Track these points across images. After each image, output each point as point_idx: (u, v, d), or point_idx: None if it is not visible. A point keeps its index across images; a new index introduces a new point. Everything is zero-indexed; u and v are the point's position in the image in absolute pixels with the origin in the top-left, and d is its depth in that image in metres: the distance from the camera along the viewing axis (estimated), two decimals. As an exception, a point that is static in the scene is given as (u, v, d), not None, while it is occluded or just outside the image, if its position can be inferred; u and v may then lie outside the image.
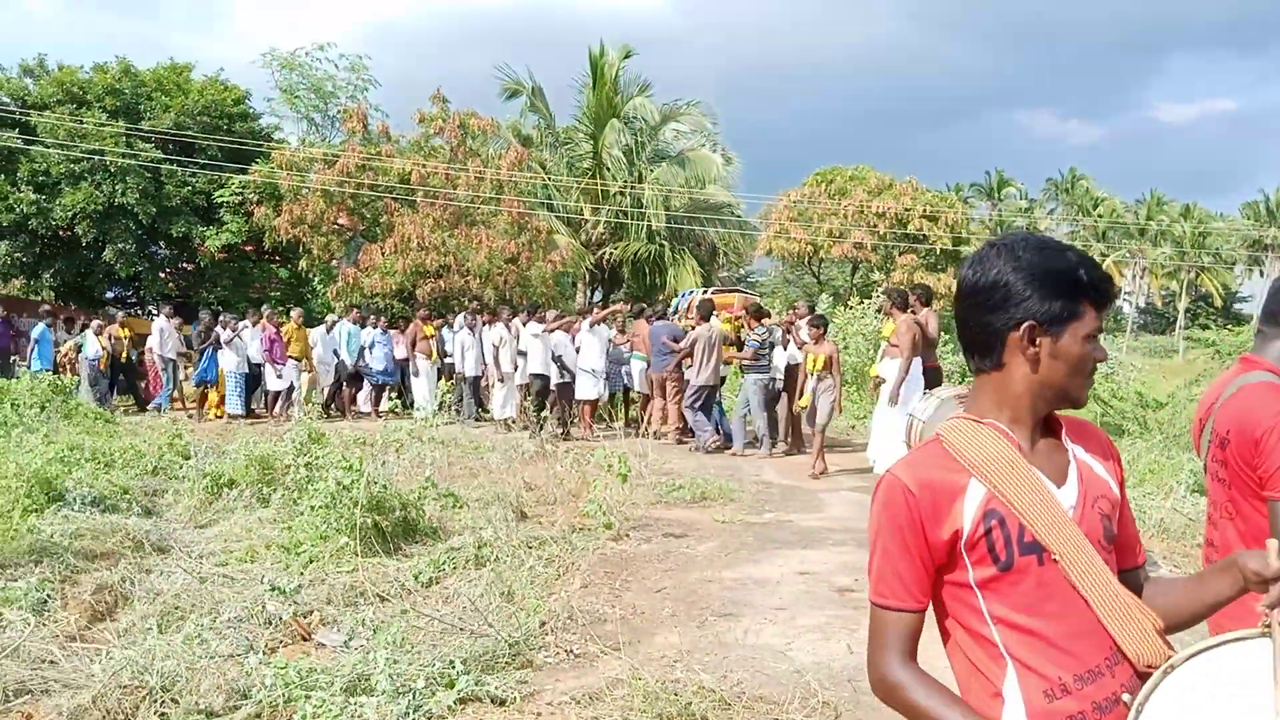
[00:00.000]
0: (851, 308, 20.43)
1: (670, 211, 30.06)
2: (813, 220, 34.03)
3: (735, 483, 10.25)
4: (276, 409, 16.24)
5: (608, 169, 29.57)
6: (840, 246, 32.62)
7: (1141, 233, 65.24)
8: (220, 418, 16.23)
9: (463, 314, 16.89)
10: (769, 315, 13.36)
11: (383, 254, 21.48)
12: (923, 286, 11.13)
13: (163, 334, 17.19)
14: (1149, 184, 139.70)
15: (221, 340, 16.29)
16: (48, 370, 16.31)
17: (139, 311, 27.46)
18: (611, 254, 29.65)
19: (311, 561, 6.44)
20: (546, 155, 30.76)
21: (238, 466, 8.86)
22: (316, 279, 25.42)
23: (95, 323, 17.53)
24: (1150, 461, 10.12)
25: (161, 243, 26.41)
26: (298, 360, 16.70)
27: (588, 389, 14.48)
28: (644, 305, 16.29)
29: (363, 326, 17.46)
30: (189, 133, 25.27)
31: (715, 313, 13.68)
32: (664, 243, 29.89)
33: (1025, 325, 1.79)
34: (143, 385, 18.14)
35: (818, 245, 33.69)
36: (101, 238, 24.17)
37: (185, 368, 17.99)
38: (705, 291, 15.49)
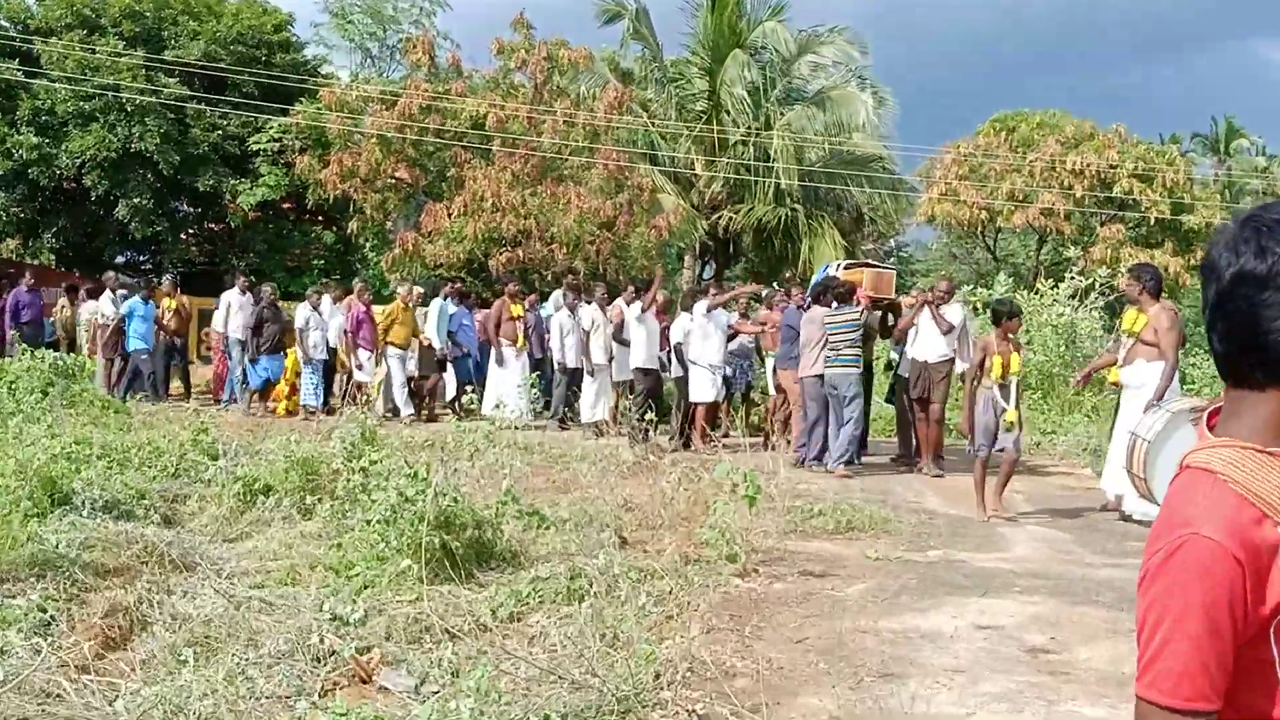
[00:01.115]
0: (1039, 292, 20.02)
1: (806, 166, 29.75)
2: (988, 179, 33.44)
3: (889, 510, 10.19)
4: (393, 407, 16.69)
5: (727, 112, 29.34)
6: (1023, 213, 31.99)
7: None
8: (294, 413, 16.83)
9: (562, 290, 17.03)
10: (852, 293, 13.24)
11: (449, 215, 21.67)
12: (1149, 269, 10.72)
13: (230, 309, 17.99)
14: None
15: (303, 320, 17.05)
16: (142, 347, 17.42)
17: (154, 280, 28.24)
18: (730, 219, 29.49)
19: (366, 587, 6.52)
20: (651, 95, 30.67)
21: (275, 470, 9.05)
22: (368, 245, 25.86)
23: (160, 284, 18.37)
24: None
25: (184, 198, 27.12)
26: (401, 348, 17.02)
27: (704, 389, 14.42)
28: (782, 287, 16.24)
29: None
30: (220, 65, 25.81)
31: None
32: (797, 205, 29.57)
33: None
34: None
35: (994, 211, 33.11)
36: (114, 191, 24.81)
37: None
38: (839, 266, 15.17)
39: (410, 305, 17.36)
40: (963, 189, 33.27)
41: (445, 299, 17.98)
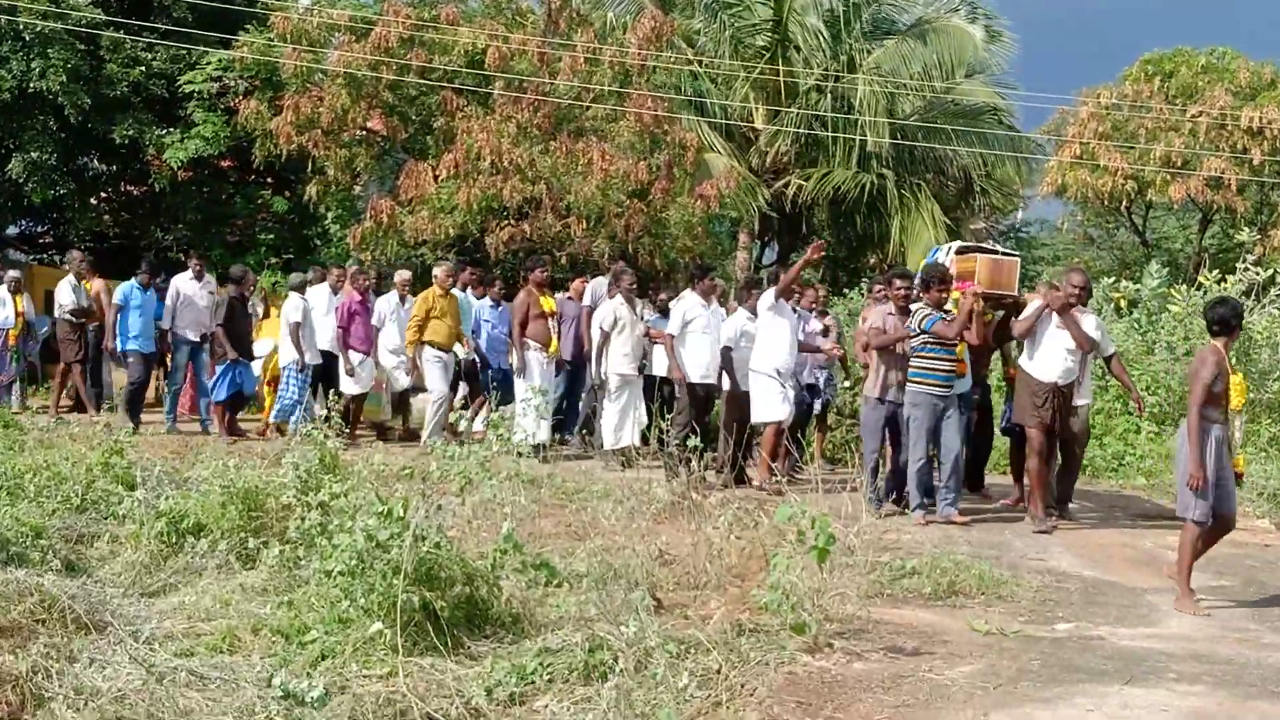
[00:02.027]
0: (1201, 287, 19.87)
1: (898, 120, 29.69)
2: (1136, 139, 33.34)
3: (1004, 569, 10.16)
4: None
5: (797, 49, 29.40)
6: (1182, 184, 31.87)
7: None
8: (270, 434, 16.90)
9: (609, 275, 17.11)
10: (946, 288, 13.14)
11: (435, 178, 21.73)
12: None
13: (180, 298, 18.10)
14: None
15: (299, 313, 17.13)
16: None
17: (55, 257, 28.33)
18: (799, 187, 29.46)
19: (325, 657, 6.52)
20: (699, 26, 30.70)
21: (209, 504, 9.05)
22: (330, 215, 25.87)
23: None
24: None
25: (96, 153, 27.19)
26: (444, 349, 16.90)
27: (770, 404, 14.36)
28: (874, 279, 16.18)
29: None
30: (143, -19, 25.94)
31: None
32: (886, 170, 29.53)
33: None
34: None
35: (1144, 181, 33.00)
36: (5, 142, 24.92)
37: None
38: (950, 252, 15.01)
39: (446, 291, 17.13)
40: (1103, 152, 33.19)
41: (465, 290, 17.99)
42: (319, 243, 27.68)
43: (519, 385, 16.41)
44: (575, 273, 20.43)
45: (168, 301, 18.13)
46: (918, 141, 30.43)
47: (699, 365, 14.92)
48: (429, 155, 22.78)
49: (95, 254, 23.14)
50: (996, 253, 14.64)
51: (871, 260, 32.65)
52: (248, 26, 25.08)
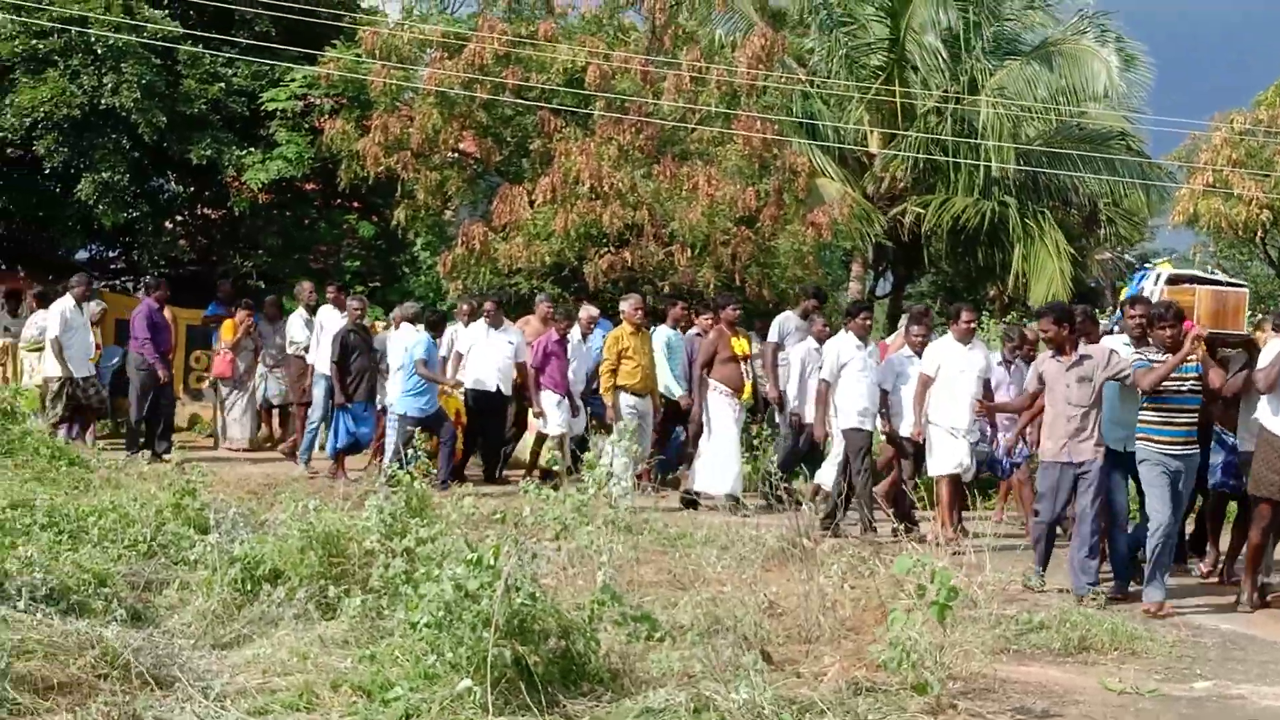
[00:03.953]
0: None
1: (1023, 145, 29.45)
2: (1274, 166, 32.95)
3: (1137, 624, 10.11)
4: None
5: (915, 69, 29.33)
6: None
7: None
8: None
9: (798, 309, 17.14)
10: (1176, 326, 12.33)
11: (531, 203, 21.80)
12: None
13: (323, 330, 18.39)
14: None
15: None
16: None
17: (127, 284, 28.54)
18: (917, 214, 29.29)
19: (409, 717, 6.46)
20: (811, 44, 30.73)
21: (287, 549, 9.00)
22: (420, 240, 25.97)
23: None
24: None
25: (172, 174, 27.41)
26: (640, 395, 16.50)
27: (946, 456, 13.99)
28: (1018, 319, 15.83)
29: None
30: (225, -7, 26.15)
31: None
32: (1008, 198, 29.35)
33: None
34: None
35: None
36: (75, 161, 24.94)
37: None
38: (1158, 279, 14.16)
39: (644, 327, 16.86)
40: (1237, 180, 32.78)
41: (673, 327, 17.79)
42: (407, 270, 27.78)
43: (708, 432, 16.15)
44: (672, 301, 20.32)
45: (292, 327, 18.75)
46: (1042, 168, 30.20)
47: (855, 411, 14.57)
48: (524, 179, 22.88)
49: (170, 281, 23.21)
50: (1219, 283, 13.93)
51: (991, 292, 32.51)
52: (334, 42, 25.17)
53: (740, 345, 16.19)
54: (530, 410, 17.32)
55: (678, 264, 21.34)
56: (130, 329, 18.53)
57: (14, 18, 23.63)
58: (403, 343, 16.93)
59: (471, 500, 9.90)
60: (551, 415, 16.96)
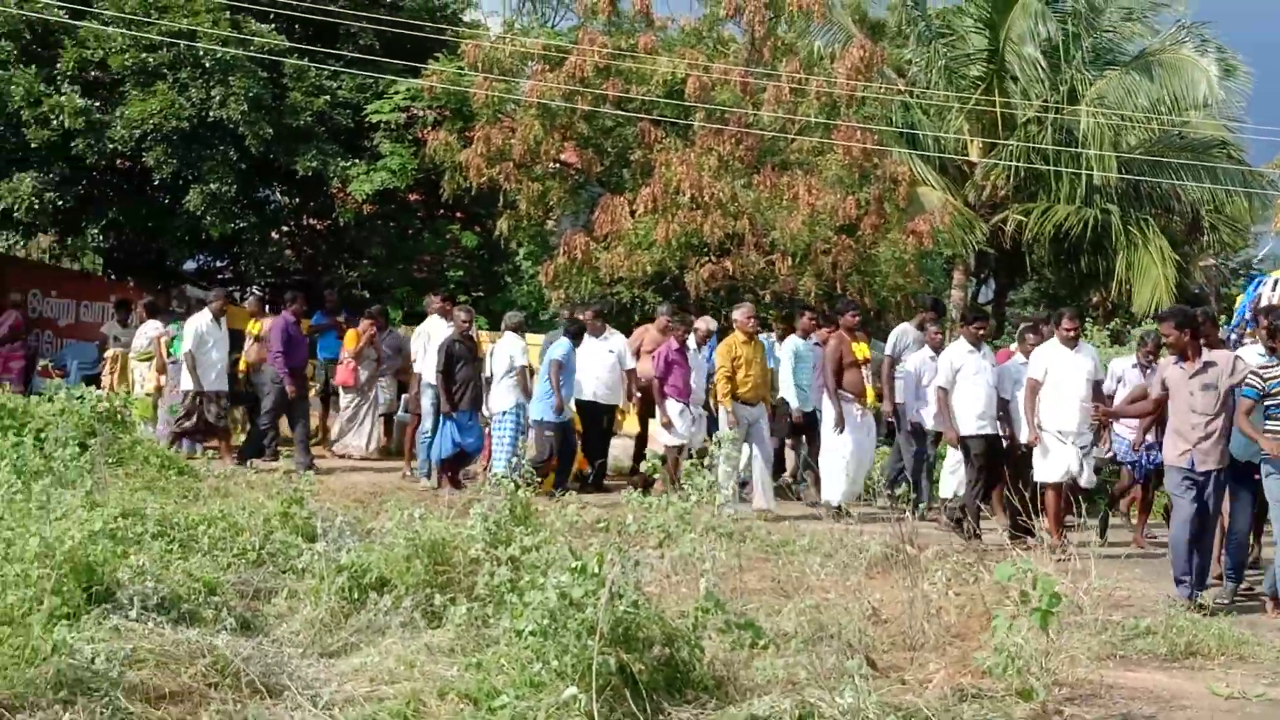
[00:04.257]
0: None
1: (1124, 153, 29.23)
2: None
3: (1245, 628, 10.03)
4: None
5: (1014, 79, 29.22)
6: None
7: None
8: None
9: (915, 320, 17.16)
10: None
11: (632, 213, 21.88)
12: None
13: (427, 342, 18.42)
14: None
15: (517, 361, 16.98)
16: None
17: (235, 294, 28.87)
18: (1019, 222, 29.13)
19: (515, 724, 6.46)
20: (910, 55, 30.69)
21: (393, 558, 9.06)
22: (522, 251, 26.09)
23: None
24: None
25: (278, 185, 27.70)
26: (752, 404, 16.38)
27: (1054, 462, 13.96)
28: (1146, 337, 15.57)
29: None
30: (331, 8, 26.33)
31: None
32: (1110, 206, 29.18)
33: None
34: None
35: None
36: (184, 173, 25.10)
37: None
38: (1276, 285, 14.15)
39: (755, 334, 16.83)
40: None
41: (803, 336, 17.65)
42: (509, 280, 27.87)
43: (829, 439, 16.22)
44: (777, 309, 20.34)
45: (416, 342, 18.70)
46: (1144, 175, 30.03)
47: (973, 416, 14.60)
48: (625, 189, 22.96)
49: (274, 291, 23.39)
50: None
51: (1094, 298, 32.28)
52: (437, 55, 25.28)
53: (861, 350, 16.19)
54: (656, 418, 17.17)
55: (778, 273, 21.36)
56: (268, 342, 18.66)
57: (125, 31, 23.92)
58: (506, 351, 16.99)
59: (575, 508, 9.95)
60: (680, 425, 16.85)
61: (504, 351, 17.12)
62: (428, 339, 18.34)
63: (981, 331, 15.36)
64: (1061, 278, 31.90)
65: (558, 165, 24.01)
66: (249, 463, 17.10)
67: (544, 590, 6.92)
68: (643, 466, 12.07)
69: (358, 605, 8.73)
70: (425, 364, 18.15)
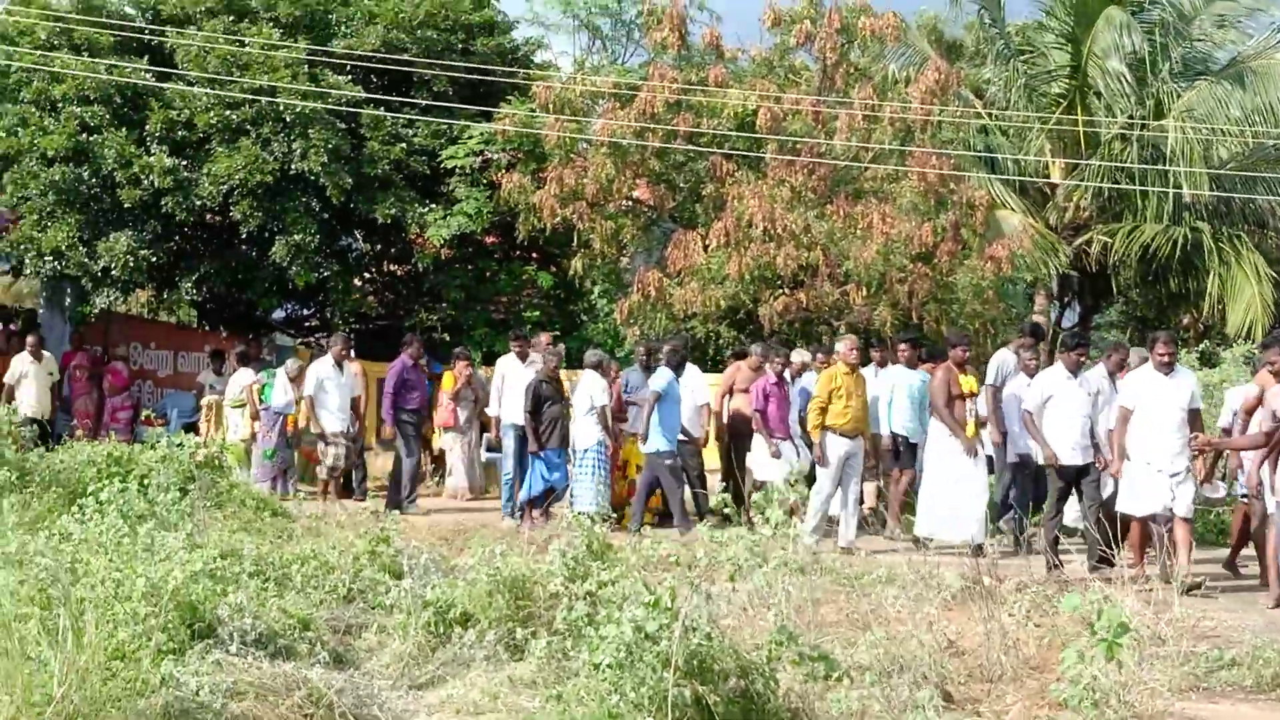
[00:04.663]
0: None
1: (1215, 168, 28.82)
2: None
3: None
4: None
5: (1098, 95, 28.79)
6: None
7: None
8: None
9: (1009, 350, 17.17)
10: None
11: (705, 248, 21.96)
12: None
13: (502, 381, 18.93)
14: None
15: (598, 400, 17.19)
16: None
17: (321, 340, 29.26)
18: (1104, 244, 28.86)
19: (595, 754, 6.63)
20: (989, 75, 30.47)
21: (476, 593, 9.33)
22: (597, 289, 26.20)
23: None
24: None
25: (359, 233, 28.03)
26: (850, 437, 16.20)
27: (1143, 495, 13.77)
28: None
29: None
30: (404, 57, 26.62)
31: None
32: (1201, 223, 28.69)
33: None
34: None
35: None
36: (269, 225, 25.50)
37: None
38: None
39: (857, 366, 16.67)
40: None
41: (909, 368, 17.76)
42: (585, 318, 28.04)
43: (932, 469, 16.32)
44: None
45: (495, 382, 18.98)
46: (1236, 191, 29.64)
47: (1066, 446, 14.40)
48: (698, 224, 23.03)
49: (357, 335, 23.65)
50: None
51: (1185, 320, 31.92)
52: (509, 98, 25.60)
53: (969, 383, 16.18)
54: (753, 452, 17.34)
55: (853, 303, 21.38)
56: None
57: (208, 91, 24.47)
58: (587, 391, 17.20)
59: (650, 543, 10.09)
60: (785, 457, 16.76)
61: (584, 390, 17.33)
62: (502, 380, 18.65)
63: (1082, 359, 15.18)
64: (1149, 299, 31.34)
65: (630, 203, 24.16)
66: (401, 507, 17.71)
67: (619, 624, 7.09)
68: (712, 501, 12.22)
69: (443, 639, 9.03)
70: (504, 405, 18.43)
